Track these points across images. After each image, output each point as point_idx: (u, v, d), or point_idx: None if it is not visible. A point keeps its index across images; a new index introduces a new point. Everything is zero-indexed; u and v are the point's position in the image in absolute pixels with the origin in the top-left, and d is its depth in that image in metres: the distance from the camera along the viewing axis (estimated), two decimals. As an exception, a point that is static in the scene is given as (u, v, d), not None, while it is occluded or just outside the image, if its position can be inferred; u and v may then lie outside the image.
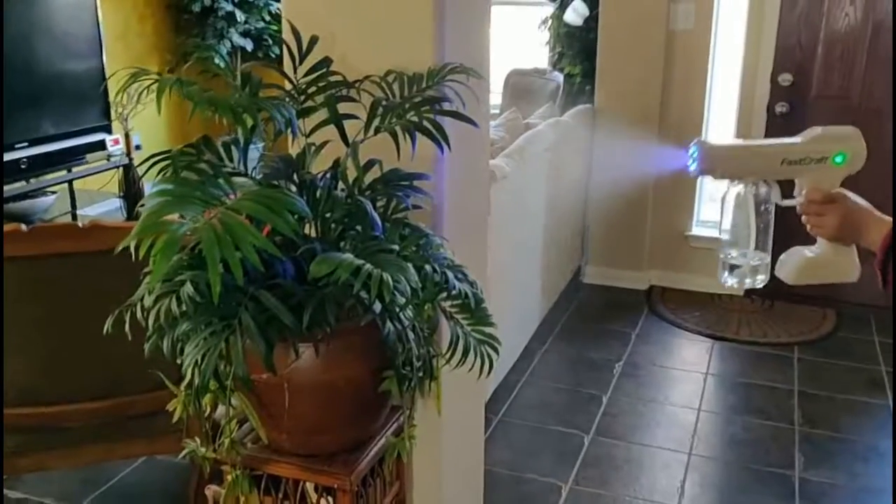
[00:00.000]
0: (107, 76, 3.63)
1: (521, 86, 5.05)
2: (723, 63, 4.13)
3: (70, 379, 2.01)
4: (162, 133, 4.97)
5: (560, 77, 4.75)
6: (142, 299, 1.29)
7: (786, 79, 3.95)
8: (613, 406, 3.20)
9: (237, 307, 1.23)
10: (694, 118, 4.12)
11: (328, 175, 1.34)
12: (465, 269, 1.41)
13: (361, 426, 1.47)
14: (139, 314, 1.29)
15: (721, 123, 4.22)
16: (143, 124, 3.79)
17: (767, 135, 4.01)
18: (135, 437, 2.12)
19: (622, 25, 4.07)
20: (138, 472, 2.74)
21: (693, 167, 1.35)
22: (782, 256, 1.44)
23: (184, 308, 1.21)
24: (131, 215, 3.57)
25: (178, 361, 1.28)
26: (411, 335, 1.38)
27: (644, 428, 3.07)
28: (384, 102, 1.32)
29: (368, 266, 1.18)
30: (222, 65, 1.34)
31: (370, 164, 1.38)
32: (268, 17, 5.62)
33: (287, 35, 1.47)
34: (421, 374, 1.42)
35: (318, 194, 1.32)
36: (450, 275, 1.34)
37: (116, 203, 3.74)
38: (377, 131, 1.32)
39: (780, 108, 3.98)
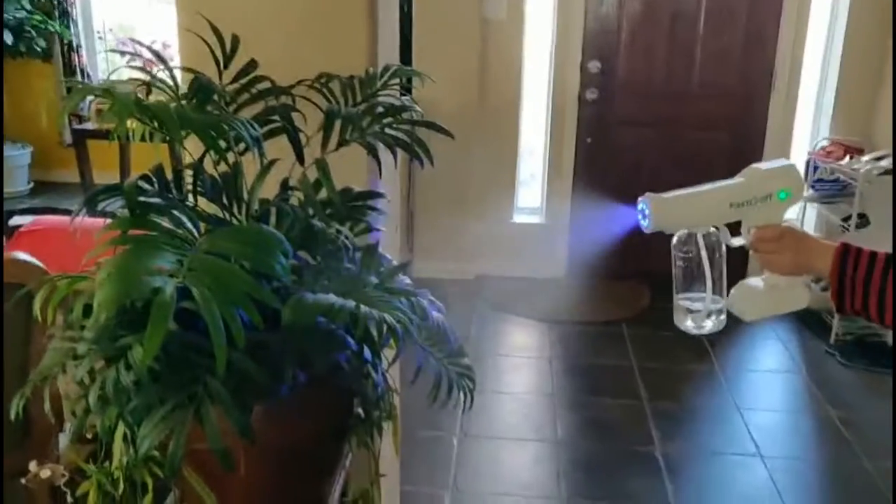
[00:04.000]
0: None
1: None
2: (535, 51, 4.20)
3: None
4: None
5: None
6: (63, 368, 1.02)
7: (594, 66, 4.08)
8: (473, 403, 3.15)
9: (198, 371, 1.00)
10: (510, 106, 4.16)
11: (280, 199, 1.13)
12: (430, 295, 1.27)
13: (321, 484, 1.29)
14: (62, 385, 1.02)
15: (535, 111, 4.29)
16: None
17: (580, 120, 4.15)
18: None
19: (436, 17, 4.01)
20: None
21: (646, 223, 1.31)
22: (733, 291, 1.40)
23: (133, 378, 0.97)
24: None
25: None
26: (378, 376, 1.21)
27: (508, 421, 3.05)
28: (343, 112, 1.14)
29: (364, 308, 1.01)
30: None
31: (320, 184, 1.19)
32: (28, 6, 4.98)
33: (184, 31, 1.24)
34: (383, 414, 1.27)
35: (272, 222, 1.11)
36: (426, 305, 1.20)
37: None
38: (340, 145, 1.13)
39: (590, 94, 4.12)
